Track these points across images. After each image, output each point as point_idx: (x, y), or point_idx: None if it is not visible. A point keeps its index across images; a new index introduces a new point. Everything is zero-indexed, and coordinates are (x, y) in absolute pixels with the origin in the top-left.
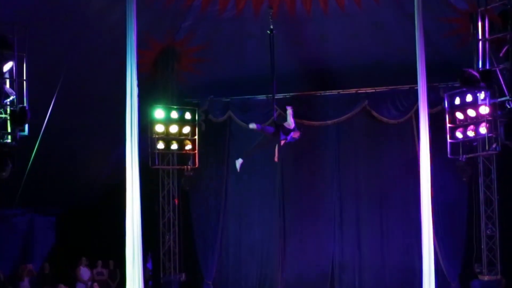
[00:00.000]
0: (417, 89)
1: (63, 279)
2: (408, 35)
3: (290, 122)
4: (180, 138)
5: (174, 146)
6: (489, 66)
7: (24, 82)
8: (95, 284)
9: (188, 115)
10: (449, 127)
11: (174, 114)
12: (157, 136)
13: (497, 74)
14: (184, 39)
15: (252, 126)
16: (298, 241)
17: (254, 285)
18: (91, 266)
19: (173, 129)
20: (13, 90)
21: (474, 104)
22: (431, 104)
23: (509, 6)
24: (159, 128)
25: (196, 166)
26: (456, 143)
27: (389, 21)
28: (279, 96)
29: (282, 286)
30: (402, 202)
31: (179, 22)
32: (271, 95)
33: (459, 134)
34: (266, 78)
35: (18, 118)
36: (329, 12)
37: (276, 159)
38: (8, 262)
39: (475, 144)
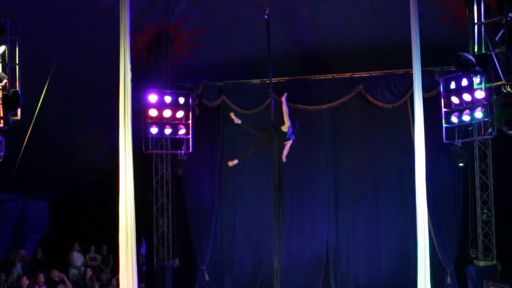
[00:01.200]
0: (412, 73)
1: (56, 264)
2: (403, 18)
3: (286, 120)
4: (173, 123)
5: (168, 130)
6: (484, 50)
7: (17, 66)
8: (88, 269)
9: (181, 100)
10: (444, 111)
11: (168, 99)
12: (150, 121)
13: (493, 58)
14: (177, 23)
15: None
16: (293, 226)
17: (248, 270)
18: (84, 251)
19: (167, 113)
20: (6, 74)
21: (470, 89)
22: (426, 88)
23: None
24: (153, 113)
25: (190, 150)
26: (451, 128)
27: (384, 5)
28: (273, 80)
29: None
30: (397, 187)
31: (172, 6)
32: (265, 79)
33: (454, 119)
34: (260, 62)
35: (10, 102)
36: None
37: (284, 158)
38: (0, 248)
39: (470, 128)
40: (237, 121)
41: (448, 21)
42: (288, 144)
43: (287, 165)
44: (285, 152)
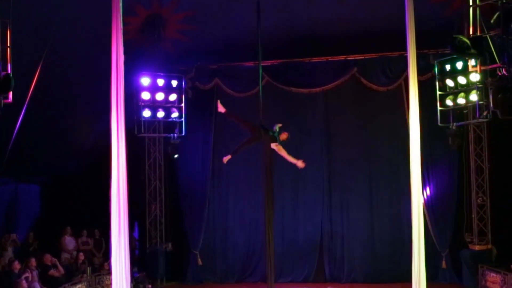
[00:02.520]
0: (406, 56)
1: (48, 248)
2: (398, 0)
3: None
4: (166, 106)
5: (161, 113)
6: (480, 32)
7: (8, 49)
8: (80, 253)
9: (174, 83)
10: (439, 94)
11: (161, 82)
12: (143, 104)
13: (488, 41)
14: (170, 5)
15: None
16: (287, 210)
17: (242, 254)
18: (76, 235)
19: (160, 96)
20: None
21: (465, 71)
22: (421, 71)
23: None
24: (145, 96)
25: (183, 134)
26: (446, 111)
27: None
28: (267, 63)
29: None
30: (391, 171)
31: None
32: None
33: (449, 102)
34: (253, 45)
35: (2, 85)
36: None
37: (300, 163)
38: None
39: (465, 111)
40: (221, 109)
41: (443, 3)
42: (284, 152)
43: None
44: (291, 159)
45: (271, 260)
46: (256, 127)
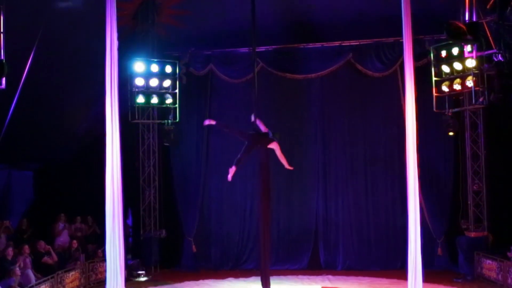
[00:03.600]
0: (402, 42)
1: (41, 235)
2: None
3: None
4: (160, 92)
5: (155, 100)
6: (476, 18)
7: (1, 35)
8: (74, 240)
9: (168, 69)
10: (435, 80)
11: (155, 68)
12: (137, 90)
13: (484, 27)
14: None
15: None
16: (282, 197)
17: (236, 242)
18: (70, 222)
19: (154, 82)
20: None
21: (461, 57)
22: (416, 57)
23: None
24: (139, 82)
25: (177, 120)
26: (442, 97)
27: None
28: (261, 49)
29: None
30: (387, 157)
31: None
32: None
33: (445, 88)
34: (248, 31)
35: None
36: None
37: (289, 167)
38: None
39: (461, 97)
40: (211, 122)
41: None
42: (278, 151)
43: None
44: (283, 160)
45: (265, 248)
46: (250, 135)
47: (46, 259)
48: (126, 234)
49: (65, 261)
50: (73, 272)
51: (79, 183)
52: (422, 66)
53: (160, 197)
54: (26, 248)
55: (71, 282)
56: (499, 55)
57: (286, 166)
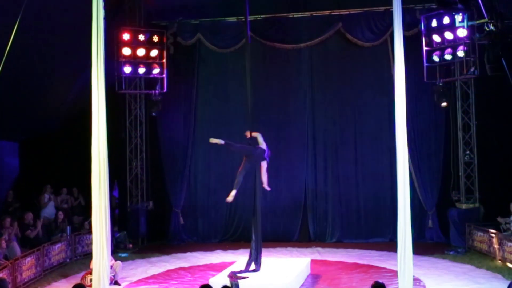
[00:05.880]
0: (392, 11)
1: (27, 207)
2: None
3: (262, 142)
4: (147, 62)
5: (142, 70)
6: None
7: None
8: (60, 212)
9: (156, 38)
10: (425, 50)
11: (142, 37)
12: (123, 60)
13: None
14: None
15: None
16: (270, 168)
17: (224, 214)
18: (56, 193)
19: (141, 52)
20: None
21: (452, 27)
22: (407, 27)
23: None
24: (126, 52)
25: (164, 90)
26: (433, 67)
27: None
28: (250, 18)
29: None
30: (376, 128)
31: None
32: (242, 17)
33: (436, 58)
34: (237, 0)
35: None
36: None
37: (267, 187)
38: None
39: (452, 67)
40: (219, 141)
41: None
42: (264, 168)
43: (264, 105)
44: (265, 178)
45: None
46: (251, 151)
47: (28, 232)
48: (112, 205)
49: (51, 233)
50: (59, 245)
51: (65, 154)
52: (412, 35)
53: (147, 168)
54: (8, 221)
55: (57, 254)
56: (491, 24)
57: (265, 184)
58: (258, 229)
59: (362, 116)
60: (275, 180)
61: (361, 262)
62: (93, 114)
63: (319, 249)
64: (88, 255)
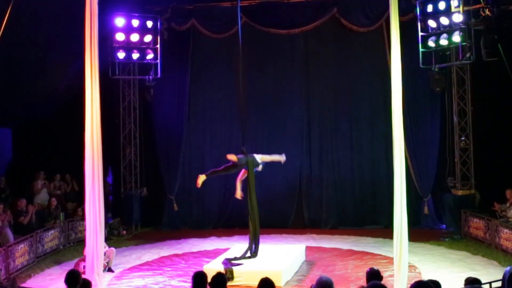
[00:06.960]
0: None
1: (20, 193)
2: None
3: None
4: (141, 47)
5: (135, 55)
6: None
7: None
8: (53, 198)
9: (149, 23)
10: (421, 35)
11: (135, 22)
12: (117, 45)
13: None
14: None
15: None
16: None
17: (218, 200)
18: (49, 180)
19: (134, 37)
20: None
21: (447, 12)
22: (402, 12)
23: None
24: (120, 37)
25: (158, 76)
26: (428, 52)
27: None
28: (244, 3)
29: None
30: (372, 114)
31: None
32: (236, 2)
33: (431, 43)
34: None
35: None
36: None
37: (240, 196)
38: None
39: (448, 53)
40: (233, 158)
41: None
42: (241, 176)
43: (258, 91)
44: (238, 184)
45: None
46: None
47: (21, 219)
48: (106, 192)
49: (45, 220)
50: (52, 231)
51: (59, 141)
52: (408, 20)
53: (141, 154)
54: (0, 208)
55: (51, 241)
56: (487, 9)
57: (237, 191)
58: (256, 220)
59: (358, 102)
60: (270, 167)
61: (356, 249)
62: (86, 100)
63: (314, 235)
64: (81, 242)
